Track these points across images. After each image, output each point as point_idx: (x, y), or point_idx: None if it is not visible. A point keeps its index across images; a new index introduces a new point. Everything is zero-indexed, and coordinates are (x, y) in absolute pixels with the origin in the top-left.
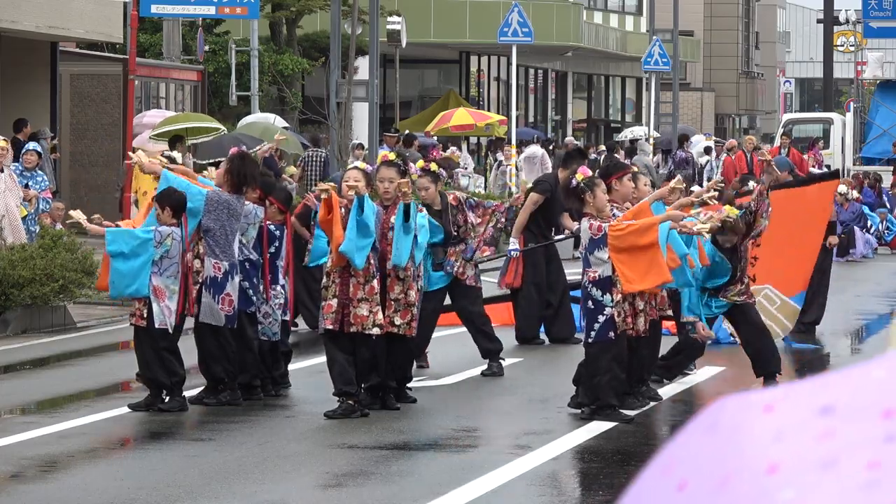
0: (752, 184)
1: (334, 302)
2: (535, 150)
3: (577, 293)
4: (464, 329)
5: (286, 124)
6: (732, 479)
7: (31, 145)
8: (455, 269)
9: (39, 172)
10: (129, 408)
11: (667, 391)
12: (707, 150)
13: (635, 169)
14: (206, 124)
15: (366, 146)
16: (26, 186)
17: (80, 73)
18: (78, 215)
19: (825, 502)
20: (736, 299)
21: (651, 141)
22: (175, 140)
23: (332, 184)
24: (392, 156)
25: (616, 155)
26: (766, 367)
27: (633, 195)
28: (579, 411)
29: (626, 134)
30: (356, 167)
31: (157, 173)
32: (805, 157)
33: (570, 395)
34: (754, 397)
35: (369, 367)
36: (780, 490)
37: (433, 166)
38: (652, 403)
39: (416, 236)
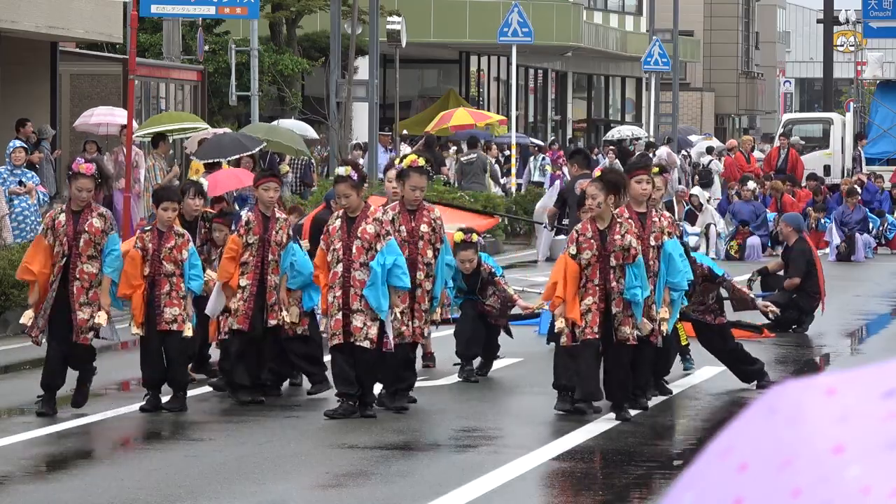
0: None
1: (340, 315)
2: (662, 151)
3: None
4: None
5: (307, 133)
6: (796, 459)
7: (17, 143)
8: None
9: (26, 171)
10: (141, 410)
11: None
12: (709, 150)
13: (656, 170)
14: (191, 125)
15: (364, 146)
16: (20, 183)
17: (80, 73)
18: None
19: (891, 481)
20: (690, 313)
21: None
22: (158, 138)
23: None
24: (422, 161)
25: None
26: (750, 380)
27: (652, 194)
28: (575, 410)
29: (614, 133)
30: (341, 176)
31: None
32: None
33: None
34: (816, 382)
35: (370, 370)
36: (846, 468)
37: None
38: (657, 400)
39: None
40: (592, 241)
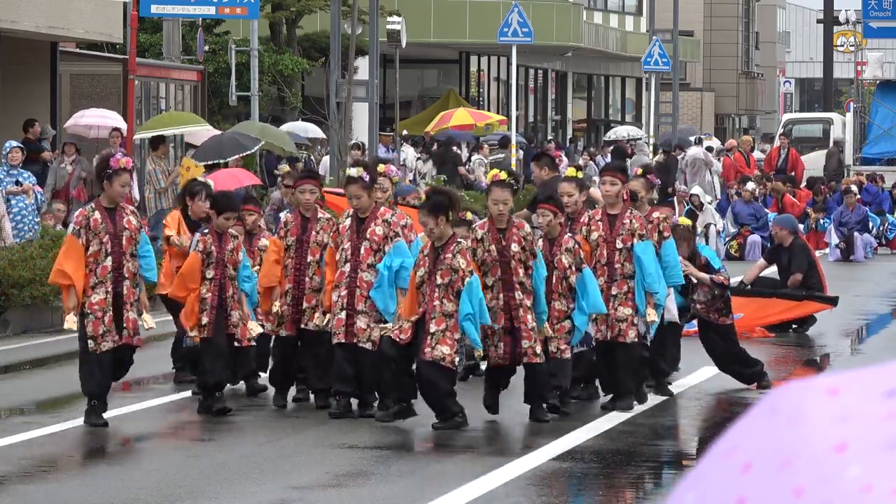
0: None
1: (343, 315)
2: (697, 151)
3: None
4: None
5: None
6: (797, 459)
7: (14, 143)
8: None
9: (22, 171)
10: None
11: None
12: (709, 150)
13: (640, 171)
14: (194, 127)
15: (365, 146)
16: (17, 183)
17: (80, 73)
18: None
19: (892, 480)
20: (698, 312)
21: (652, 141)
22: (156, 140)
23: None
24: (504, 175)
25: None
26: (749, 382)
27: (640, 195)
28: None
29: (611, 134)
30: (352, 177)
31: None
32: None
33: (571, 396)
34: (817, 382)
35: (371, 371)
36: (847, 467)
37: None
38: (657, 400)
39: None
40: (427, 258)
